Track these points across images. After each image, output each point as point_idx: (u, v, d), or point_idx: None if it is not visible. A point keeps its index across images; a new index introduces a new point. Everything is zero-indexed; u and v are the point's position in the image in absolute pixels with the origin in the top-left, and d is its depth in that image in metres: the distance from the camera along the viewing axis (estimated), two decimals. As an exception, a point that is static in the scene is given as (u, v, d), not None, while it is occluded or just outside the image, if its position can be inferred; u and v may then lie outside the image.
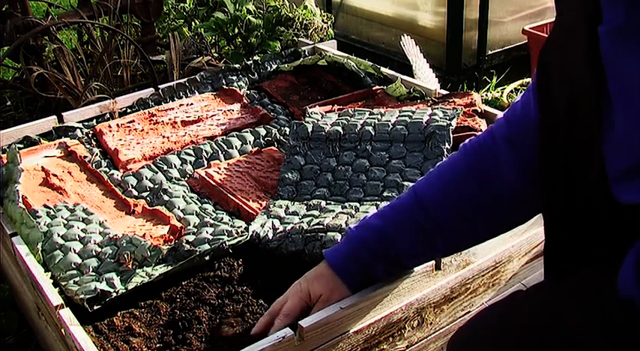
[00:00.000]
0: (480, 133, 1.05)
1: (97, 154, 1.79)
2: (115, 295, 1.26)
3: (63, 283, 1.30)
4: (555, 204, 0.87)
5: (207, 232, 1.42)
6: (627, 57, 0.69)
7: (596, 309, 0.79)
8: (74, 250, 1.38)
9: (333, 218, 1.41)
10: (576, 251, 0.87)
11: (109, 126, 1.88)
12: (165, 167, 1.70)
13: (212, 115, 1.93)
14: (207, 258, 1.36)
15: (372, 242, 1.06)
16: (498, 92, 2.89)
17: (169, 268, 1.32)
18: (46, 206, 1.54)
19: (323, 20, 2.65)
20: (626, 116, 0.71)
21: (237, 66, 2.18)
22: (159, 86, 2.06)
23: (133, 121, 1.91)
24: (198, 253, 1.34)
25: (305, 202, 1.53)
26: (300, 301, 1.11)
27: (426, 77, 2.21)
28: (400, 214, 1.05)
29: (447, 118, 1.61)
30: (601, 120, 0.75)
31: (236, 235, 1.40)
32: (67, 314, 1.17)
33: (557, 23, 0.83)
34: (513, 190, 0.96)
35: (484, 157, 0.98)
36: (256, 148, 1.75)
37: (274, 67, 2.22)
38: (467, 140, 1.04)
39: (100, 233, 1.44)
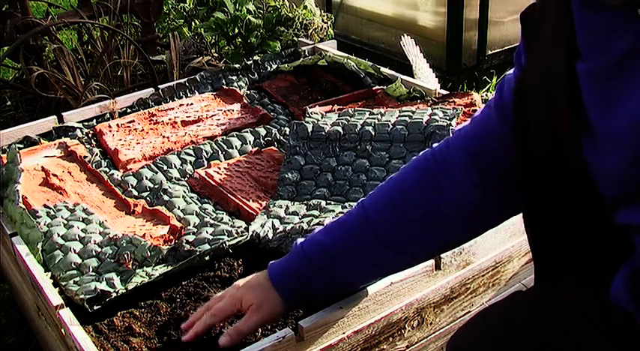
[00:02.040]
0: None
1: (97, 154, 1.79)
2: (115, 295, 1.26)
3: (63, 283, 1.30)
4: (538, 222, 0.86)
5: (207, 232, 1.42)
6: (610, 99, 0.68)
7: (595, 310, 0.79)
8: (74, 250, 1.38)
9: (333, 218, 1.41)
10: (563, 261, 0.87)
11: (109, 126, 1.88)
12: (165, 167, 1.70)
13: (212, 115, 1.93)
14: (207, 258, 1.35)
15: (315, 257, 1.02)
16: (498, 92, 2.89)
17: (169, 268, 1.32)
18: (46, 206, 1.54)
19: (323, 20, 2.65)
20: (614, 154, 0.70)
21: (237, 66, 2.19)
22: (159, 86, 2.06)
23: (133, 121, 1.91)
24: (198, 253, 1.34)
25: (305, 202, 1.53)
26: (231, 306, 1.08)
27: (426, 77, 2.21)
28: (346, 229, 1.01)
29: (447, 118, 1.61)
30: (580, 149, 0.74)
31: (236, 235, 1.40)
32: (67, 314, 1.17)
33: (532, 57, 0.81)
34: (468, 206, 0.94)
35: (437, 171, 0.95)
36: (256, 148, 1.75)
37: (274, 67, 2.22)
38: (420, 153, 1.01)
39: (100, 233, 1.44)
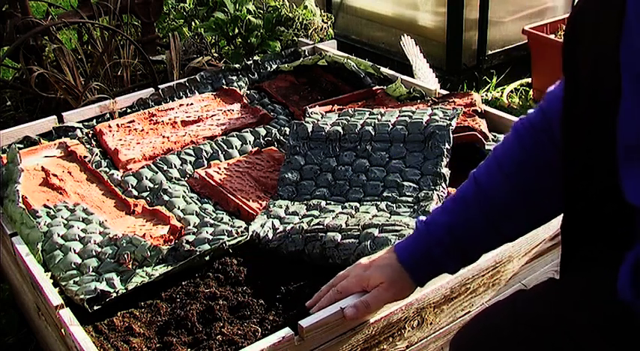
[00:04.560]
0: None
1: (97, 154, 1.79)
2: (114, 295, 1.26)
3: (63, 283, 1.30)
4: (573, 188, 0.85)
5: (207, 232, 1.42)
6: None
7: (600, 310, 0.79)
8: (74, 250, 1.38)
9: (333, 218, 1.41)
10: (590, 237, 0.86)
11: (109, 126, 1.88)
12: (165, 167, 1.70)
13: (212, 115, 1.93)
14: (207, 258, 1.36)
15: (443, 238, 1.04)
16: (498, 92, 2.90)
17: (169, 268, 1.32)
18: (46, 206, 1.54)
19: (323, 20, 2.65)
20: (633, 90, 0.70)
21: (237, 66, 2.19)
22: (159, 86, 2.06)
23: (133, 121, 1.91)
24: (198, 253, 1.34)
25: (305, 202, 1.53)
26: (358, 285, 1.10)
27: (426, 77, 2.21)
28: (465, 205, 1.03)
29: (447, 118, 1.61)
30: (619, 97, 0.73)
31: (236, 235, 1.40)
32: (67, 314, 1.17)
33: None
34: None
35: (538, 140, 0.96)
36: (256, 148, 1.75)
37: (274, 67, 2.22)
38: (517, 120, 1.01)
39: (100, 233, 1.44)
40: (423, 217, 1.08)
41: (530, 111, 1.00)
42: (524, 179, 0.97)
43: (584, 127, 0.81)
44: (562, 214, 0.90)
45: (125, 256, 1.34)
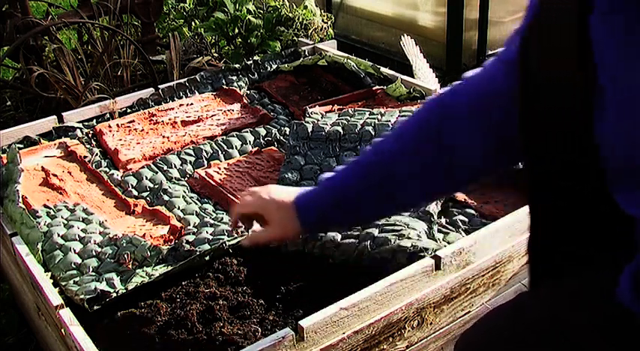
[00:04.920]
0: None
1: (97, 154, 1.79)
2: (114, 295, 1.26)
3: (63, 283, 1.30)
4: (539, 189, 0.86)
5: (207, 232, 1.42)
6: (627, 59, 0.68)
7: (599, 311, 0.79)
8: (74, 250, 1.38)
9: (333, 218, 1.41)
10: (562, 250, 0.86)
11: (109, 126, 1.88)
12: (165, 167, 1.70)
13: (212, 115, 1.93)
14: (207, 258, 1.36)
15: (332, 192, 1.08)
16: (498, 92, 2.89)
17: (169, 268, 1.32)
18: (46, 206, 1.54)
19: (323, 20, 2.65)
20: (619, 114, 0.70)
21: (237, 66, 2.19)
22: (159, 86, 2.06)
23: (133, 121, 1.91)
24: (198, 253, 1.34)
25: (305, 202, 1.52)
26: (255, 209, 1.12)
27: (426, 77, 2.21)
28: (359, 167, 1.07)
29: (447, 118, 1.61)
30: (591, 112, 0.73)
31: (236, 235, 1.40)
32: (67, 314, 1.17)
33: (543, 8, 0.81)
34: (468, 154, 0.97)
35: (440, 115, 0.99)
36: (256, 148, 1.75)
37: (274, 67, 2.22)
38: (430, 97, 1.06)
39: (100, 233, 1.44)
40: (329, 174, 1.10)
41: (443, 90, 1.05)
42: (418, 148, 1.01)
43: (549, 127, 0.81)
44: (529, 215, 0.91)
45: (125, 256, 1.34)
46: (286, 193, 1.11)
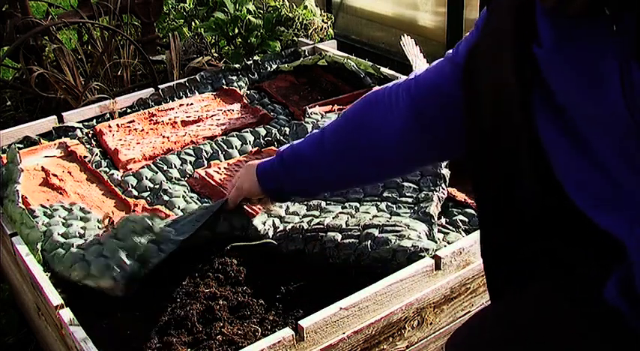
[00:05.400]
0: None
1: (97, 154, 1.79)
2: (142, 273, 1.26)
3: (76, 278, 1.28)
4: (486, 196, 0.91)
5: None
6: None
7: (590, 310, 0.79)
8: (77, 247, 1.37)
9: (333, 218, 1.41)
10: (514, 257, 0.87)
11: (109, 126, 1.88)
12: (165, 167, 1.70)
13: (212, 115, 1.93)
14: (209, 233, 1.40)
15: (286, 163, 1.25)
16: (498, 92, 2.89)
17: (180, 238, 1.31)
18: (42, 206, 1.53)
19: (323, 20, 2.65)
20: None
21: (237, 66, 2.19)
22: (159, 86, 2.06)
23: (133, 121, 1.91)
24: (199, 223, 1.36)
25: (305, 202, 1.52)
26: (239, 196, 1.36)
27: (426, 77, 2.21)
28: (307, 146, 1.22)
29: (447, 118, 1.61)
30: (529, 128, 0.77)
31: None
32: (67, 314, 1.17)
33: (487, 30, 0.84)
34: (393, 146, 1.08)
35: (381, 107, 1.09)
36: (256, 148, 1.75)
37: (274, 67, 2.22)
38: (374, 89, 1.15)
39: (99, 230, 1.44)
40: (284, 147, 1.27)
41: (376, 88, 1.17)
42: (351, 136, 1.15)
43: (490, 143, 0.85)
44: (480, 218, 0.93)
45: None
46: (252, 174, 1.30)
